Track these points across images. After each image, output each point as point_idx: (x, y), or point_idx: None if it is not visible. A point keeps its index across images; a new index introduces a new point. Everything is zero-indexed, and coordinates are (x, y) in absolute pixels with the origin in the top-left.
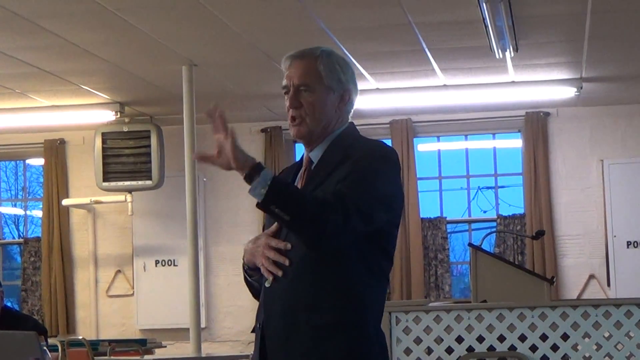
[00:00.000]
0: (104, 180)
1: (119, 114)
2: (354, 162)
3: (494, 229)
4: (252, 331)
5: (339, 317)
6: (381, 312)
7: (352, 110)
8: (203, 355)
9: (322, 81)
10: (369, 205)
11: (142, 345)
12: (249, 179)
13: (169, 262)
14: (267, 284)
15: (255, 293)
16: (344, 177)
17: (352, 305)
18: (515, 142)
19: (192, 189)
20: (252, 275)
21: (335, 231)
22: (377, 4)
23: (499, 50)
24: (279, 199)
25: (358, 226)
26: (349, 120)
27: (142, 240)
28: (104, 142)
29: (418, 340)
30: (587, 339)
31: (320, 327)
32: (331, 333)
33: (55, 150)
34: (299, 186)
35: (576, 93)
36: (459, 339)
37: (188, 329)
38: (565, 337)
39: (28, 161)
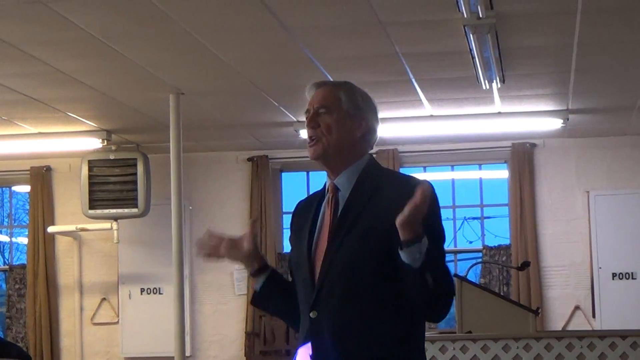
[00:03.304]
0: (90, 207)
1: (105, 141)
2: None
3: (480, 260)
4: None
5: (391, 350)
6: (423, 344)
7: (374, 141)
8: None
9: (340, 106)
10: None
11: None
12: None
13: (155, 290)
14: (312, 315)
15: (254, 298)
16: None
17: (403, 337)
18: (502, 173)
19: (178, 217)
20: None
21: (447, 300)
22: (364, 34)
23: (486, 81)
24: (428, 266)
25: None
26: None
27: (127, 268)
28: (90, 169)
29: None
30: None
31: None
32: None
33: (42, 177)
34: (328, 214)
35: (562, 124)
36: None
37: (173, 358)
38: None
39: (14, 188)
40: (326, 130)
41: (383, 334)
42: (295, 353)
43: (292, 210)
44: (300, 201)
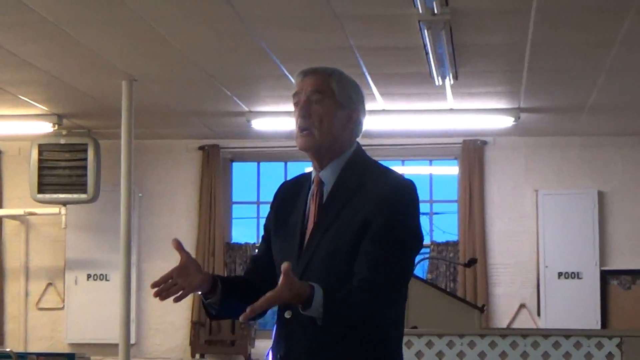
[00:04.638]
0: (39, 192)
1: (56, 126)
2: (386, 223)
3: (427, 256)
4: None
5: (366, 351)
6: (401, 346)
7: (361, 133)
8: None
9: (334, 96)
10: (407, 275)
11: (70, 359)
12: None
13: (101, 277)
14: (287, 315)
15: (211, 316)
16: (378, 237)
17: (378, 338)
18: (452, 169)
19: (127, 204)
20: (209, 298)
21: (390, 320)
22: (319, 26)
23: (439, 77)
24: (336, 319)
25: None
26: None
27: (74, 254)
28: (40, 153)
29: None
30: None
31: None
32: None
33: None
34: (313, 209)
35: (514, 123)
36: None
37: (117, 345)
38: None
39: None
40: (318, 121)
41: (357, 336)
42: (266, 354)
43: (244, 199)
44: (286, 182)
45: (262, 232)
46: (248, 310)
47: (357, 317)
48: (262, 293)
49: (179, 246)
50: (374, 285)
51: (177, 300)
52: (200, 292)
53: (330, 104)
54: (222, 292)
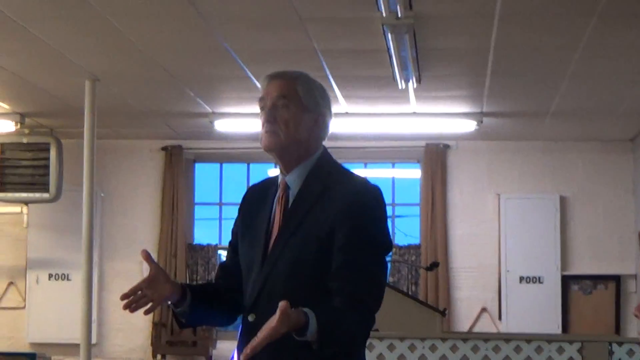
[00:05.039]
0: (0, 190)
1: (19, 124)
2: (355, 232)
3: (389, 259)
4: None
5: (331, 353)
6: (364, 351)
7: (327, 136)
8: None
9: (299, 100)
10: (385, 282)
11: (31, 359)
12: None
13: (63, 277)
14: (250, 318)
15: (181, 325)
16: (351, 247)
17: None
18: (414, 173)
19: (89, 203)
20: (178, 307)
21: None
22: (282, 28)
23: (402, 81)
24: (330, 342)
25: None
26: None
27: (36, 253)
28: (2, 152)
29: None
30: None
31: None
32: None
33: None
34: (278, 213)
35: (476, 127)
36: None
37: (78, 345)
38: None
39: None
40: (284, 126)
41: None
42: (231, 357)
43: (206, 200)
44: (255, 185)
45: (225, 234)
46: (249, 350)
47: (349, 337)
48: (232, 301)
49: (148, 257)
50: (360, 302)
51: (147, 312)
52: (169, 302)
53: (296, 109)
54: (192, 301)
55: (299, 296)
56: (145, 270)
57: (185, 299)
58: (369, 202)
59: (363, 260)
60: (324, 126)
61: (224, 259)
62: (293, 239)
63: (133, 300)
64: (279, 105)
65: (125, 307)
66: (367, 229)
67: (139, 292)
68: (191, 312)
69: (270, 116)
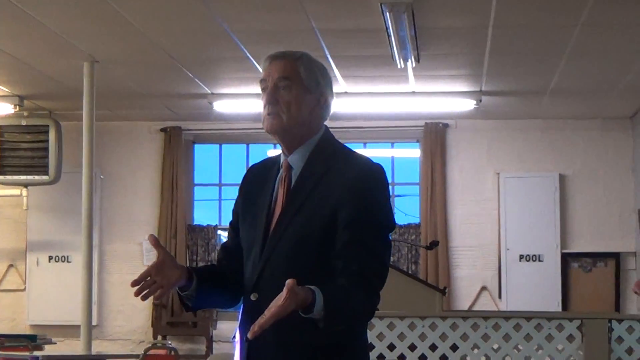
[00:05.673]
0: (0, 173)
1: (17, 107)
2: (360, 211)
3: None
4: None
5: (335, 338)
6: (366, 330)
7: (329, 116)
8: (93, 353)
9: (301, 81)
10: (389, 260)
11: (32, 341)
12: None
13: (63, 259)
14: (252, 297)
15: (187, 308)
16: (355, 226)
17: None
18: (414, 152)
19: (88, 185)
20: (185, 291)
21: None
22: (281, 8)
23: (401, 60)
24: (336, 320)
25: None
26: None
27: (36, 236)
28: (1, 135)
29: None
30: (476, 350)
31: (316, 347)
32: (327, 353)
33: None
34: (281, 194)
35: (475, 106)
36: None
37: (79, 326)
38: (454, 347)
39: None
40: (286, 107)
41: None
42: (233, 335)
43: (206, 181)
44: (254, 165)
45: (224, 215)
46: (256, 328)
47: (355, 315)
48: (236, 282)
49: (156, 243)
50: (366, 280)
51: (157, 298)
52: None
53: (297, 90)
54: (198, 284)
55: (301, 274)
56: (145, 251)
57: (192, 283)
58: (373, 181)
59: (368, 238)
60: (326, 106)
61: (224, 239)
62: (297, 218)
63: (144, 286)
64: (281, 87)
65: (137, 294)
66: (372, 208)
67: (148, 278)
68: (197, 296)
69: (272, 98)
